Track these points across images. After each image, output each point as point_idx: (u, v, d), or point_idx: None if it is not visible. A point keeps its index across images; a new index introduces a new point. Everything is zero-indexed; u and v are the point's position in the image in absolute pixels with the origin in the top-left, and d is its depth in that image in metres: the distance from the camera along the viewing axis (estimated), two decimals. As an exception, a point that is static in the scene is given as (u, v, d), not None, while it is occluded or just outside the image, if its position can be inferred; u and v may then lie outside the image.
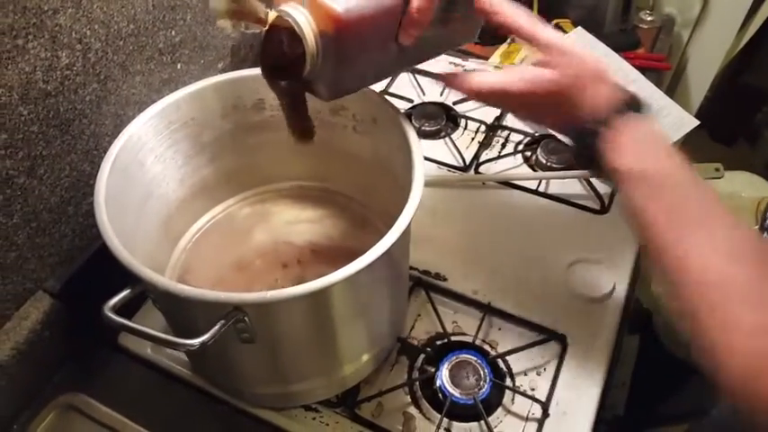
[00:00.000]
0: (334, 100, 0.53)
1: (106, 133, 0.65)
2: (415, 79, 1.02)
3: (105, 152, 0.54)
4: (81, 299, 0.64)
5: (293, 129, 0.57)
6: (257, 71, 0.54)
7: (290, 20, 0.46)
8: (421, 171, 0.52)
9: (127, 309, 0.48)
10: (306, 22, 0.46)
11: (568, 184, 0.86)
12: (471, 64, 1.05)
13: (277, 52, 0.49)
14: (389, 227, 0.48)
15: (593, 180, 0.84)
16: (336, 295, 0.50)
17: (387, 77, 0.59)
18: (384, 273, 0.55)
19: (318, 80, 0.49)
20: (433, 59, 1.06)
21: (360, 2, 0.46)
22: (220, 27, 0.48)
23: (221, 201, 0.71)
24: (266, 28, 0.48)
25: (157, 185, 0.60)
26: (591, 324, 0.71)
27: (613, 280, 0.74)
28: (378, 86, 0.98)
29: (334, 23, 0.45)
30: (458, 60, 1.06)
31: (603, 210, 0.82)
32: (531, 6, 1.11)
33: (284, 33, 0.46)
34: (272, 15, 0.47)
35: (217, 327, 0.45)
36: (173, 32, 0.70)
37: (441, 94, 0.99)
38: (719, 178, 0.77)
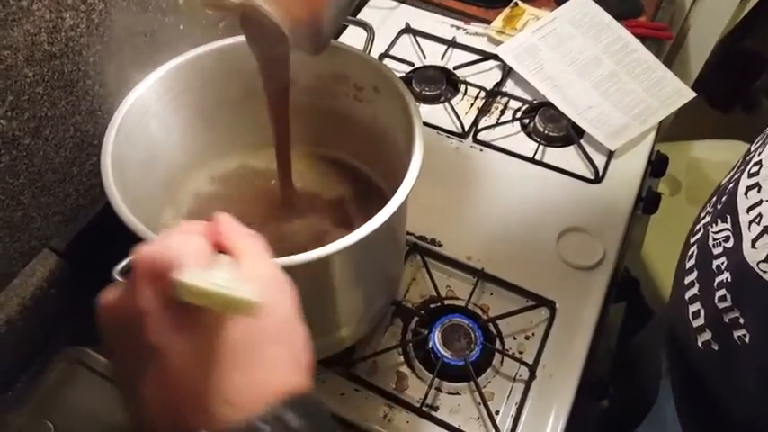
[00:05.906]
0: (322, 51, 0.55)
1: (109, 94, 0.65)
2: (417, 42, 1.02)
3: (109, 113, 0.55)
4: (85, 257, 0.66)
5: (278, 161, 0.61)
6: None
7: (256, 5, 0.48)
8: (421, 145, 0.52)
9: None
10: (271, 5, 0.48)
11: (565, 152, 0.87)
12: (474, 27, 1.05)
13: (257, 30, 0.52)
14: (389, 187, 0.49)
15: (589, 149, 0.86)
16: (335, 264, 0.51)
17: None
18: (382, 241, 0.57)
19: (302, 40, 0.52)
20: (434, 23, 1.05)
21: None
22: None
23: (224, 165, 0.72)
24: (241, 15, 0.51)
25: (161, 150, 0.61)
26: (580, 291, 0.73)
27: (603, 248, 0.76)
28: (379, 50, 0.99)
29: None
30: (460, 23, 1.05)
31: (597, 179, 0.83)
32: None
33: (258, 14, 0.49)
34: (239, 2, 0.49)
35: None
36: (175, -8, 0.70)
37: (441, 58, 0.99)
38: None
